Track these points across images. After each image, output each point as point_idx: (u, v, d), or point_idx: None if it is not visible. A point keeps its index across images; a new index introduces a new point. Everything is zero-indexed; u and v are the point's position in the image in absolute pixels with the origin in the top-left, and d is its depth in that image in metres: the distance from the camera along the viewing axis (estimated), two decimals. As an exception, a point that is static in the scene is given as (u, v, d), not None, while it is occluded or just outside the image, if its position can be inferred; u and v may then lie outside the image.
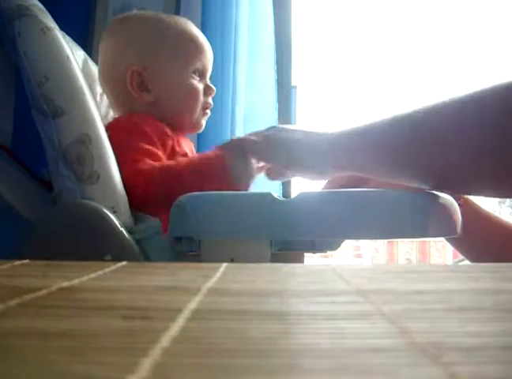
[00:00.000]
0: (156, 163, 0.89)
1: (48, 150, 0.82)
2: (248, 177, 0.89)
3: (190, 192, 0.75)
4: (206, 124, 1.10)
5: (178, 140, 1.00)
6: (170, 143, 0.97)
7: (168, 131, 0.99)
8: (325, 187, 0.97)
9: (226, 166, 0.87)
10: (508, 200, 4.12)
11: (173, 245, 0.77)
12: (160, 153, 0.93)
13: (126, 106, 1.04)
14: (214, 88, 1.06)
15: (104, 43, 1.05)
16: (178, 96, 1.02)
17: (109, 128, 0.88)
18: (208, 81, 1.07)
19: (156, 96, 1.01)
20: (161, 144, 0.95)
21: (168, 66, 1.01)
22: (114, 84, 1.04)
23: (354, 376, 0.18)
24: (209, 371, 0.19)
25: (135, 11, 1.09)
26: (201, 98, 1.04)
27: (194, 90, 1.03)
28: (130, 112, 1.01)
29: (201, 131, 1.10)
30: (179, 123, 1.03)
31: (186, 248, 0.77)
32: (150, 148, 0.92)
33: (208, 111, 1.07)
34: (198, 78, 1.04)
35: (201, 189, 0.77)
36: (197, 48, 1.04)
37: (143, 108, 1.01)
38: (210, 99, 1.07)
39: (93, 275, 0.41)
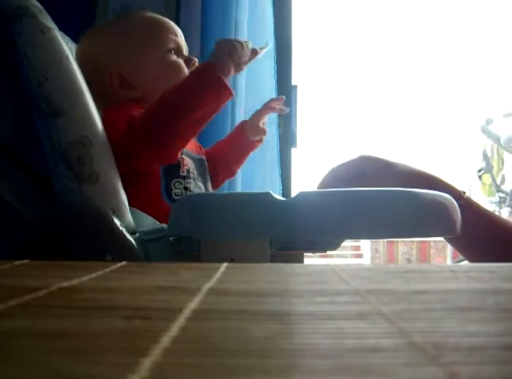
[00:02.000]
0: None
1: (48, 150, 0.82)
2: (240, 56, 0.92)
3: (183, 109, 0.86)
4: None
5: None
6: None
7: None
8: (321, 185, 0.96)
9: (211, 64, 0.89)
10: (508, 199, 4.11)
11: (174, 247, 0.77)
12: None
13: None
14: (195, 58, 1.06)
15: (79, 52, 1.04)
16: (161, 77, 1.01)
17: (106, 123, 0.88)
18: (187, 54, 1.07)
19: (142, 89, 1.01)
20: None
21: (143, 54, 1.01)
22: (96, 88, 1.02)
23: (354, 376, 0.18)
24: (209, 371, 0.19)
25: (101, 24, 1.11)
26: (185, 70, 1.04)
27: (175, 63, 1.03)
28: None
29: None
30: None
31: (186, 248, 0.77)
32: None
33: None
34: (176, 56, 1.04)
35: (195, 101, 0.87)
36: (164, 29, 1.04)
37: (134, 102, 1.00)
38: None
39: (93, 275, 0.41)
